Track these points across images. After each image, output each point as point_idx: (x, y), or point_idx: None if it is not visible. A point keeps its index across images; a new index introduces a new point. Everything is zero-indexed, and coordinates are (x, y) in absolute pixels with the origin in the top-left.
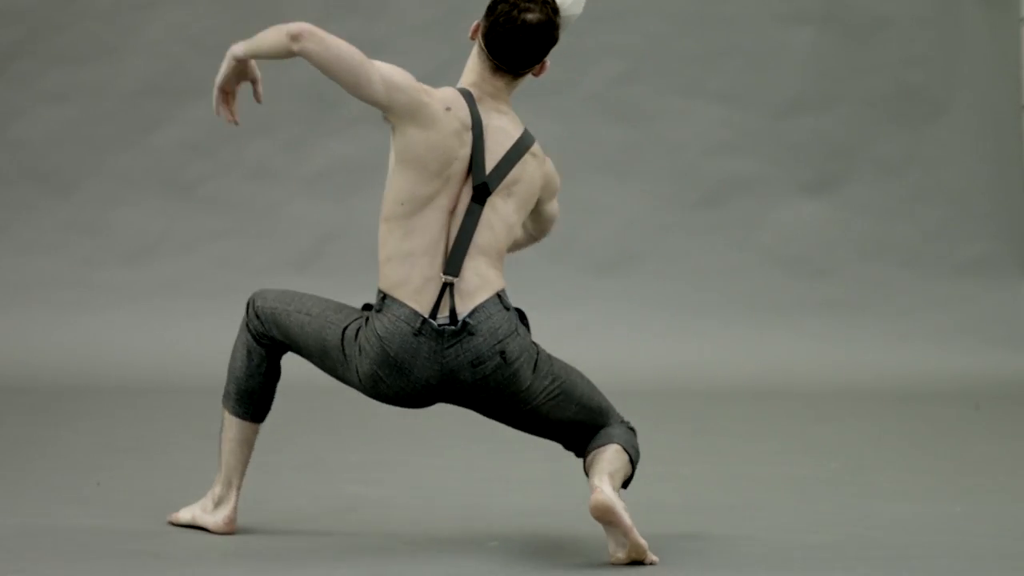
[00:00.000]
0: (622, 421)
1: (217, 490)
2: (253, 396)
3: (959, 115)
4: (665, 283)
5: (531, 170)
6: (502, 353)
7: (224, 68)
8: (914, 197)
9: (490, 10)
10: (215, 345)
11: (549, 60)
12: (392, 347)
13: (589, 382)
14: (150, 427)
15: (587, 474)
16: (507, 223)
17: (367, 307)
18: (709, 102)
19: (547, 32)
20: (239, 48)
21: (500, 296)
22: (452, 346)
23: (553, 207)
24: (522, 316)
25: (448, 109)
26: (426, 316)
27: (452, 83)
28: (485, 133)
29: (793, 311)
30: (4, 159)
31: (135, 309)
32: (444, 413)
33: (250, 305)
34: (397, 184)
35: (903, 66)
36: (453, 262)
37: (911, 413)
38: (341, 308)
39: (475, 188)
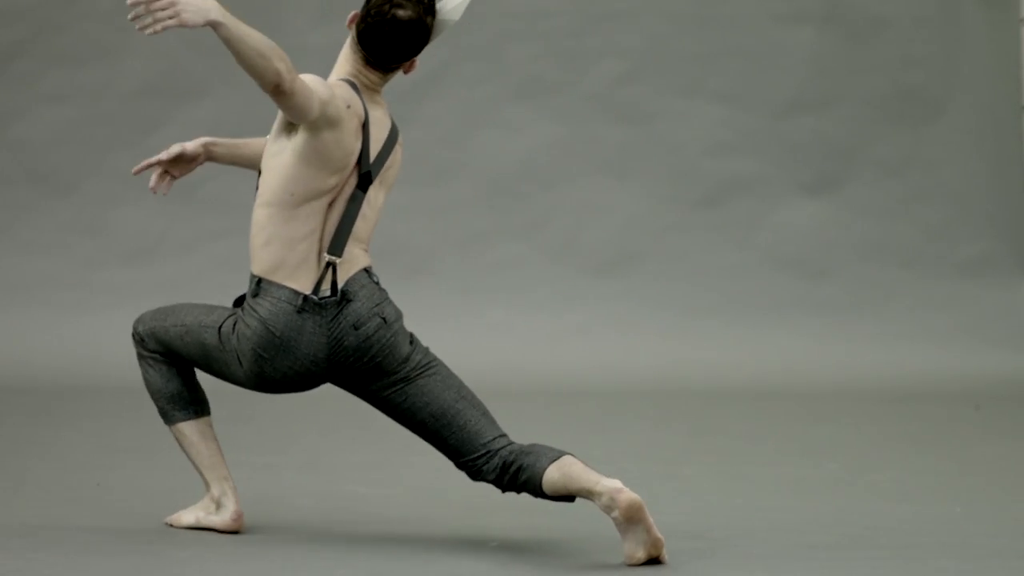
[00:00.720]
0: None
1: (213, 492)
2: (183, 396)
3: (959, 115)
4: (665, 283)
5: (398, 158)
6: (381, 315)
7: None
8: (914, 197)
9: (366, 2)
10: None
11: (419, 60)
12: (277, 327)
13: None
14: (150, 427)
15: (563, 492)
16: (377, 208)
17: (239, 301)
18: (709, 102)
19: (417, 31)
20: (216, 13)
21: (368, 271)
22: (335, 316)
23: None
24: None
25: (348, 107)
26: (307, 294)
27: (451, 84)
28: (370, 125)
29: (793, 311)
30: (4, 159)
31: (135, 309)
32: None
33: (134, 335)
34: (294, 175)
35: (903, 66)
36: (337, 244)
37: (911, 413)
38: (212, 310)
39: (360, 176)
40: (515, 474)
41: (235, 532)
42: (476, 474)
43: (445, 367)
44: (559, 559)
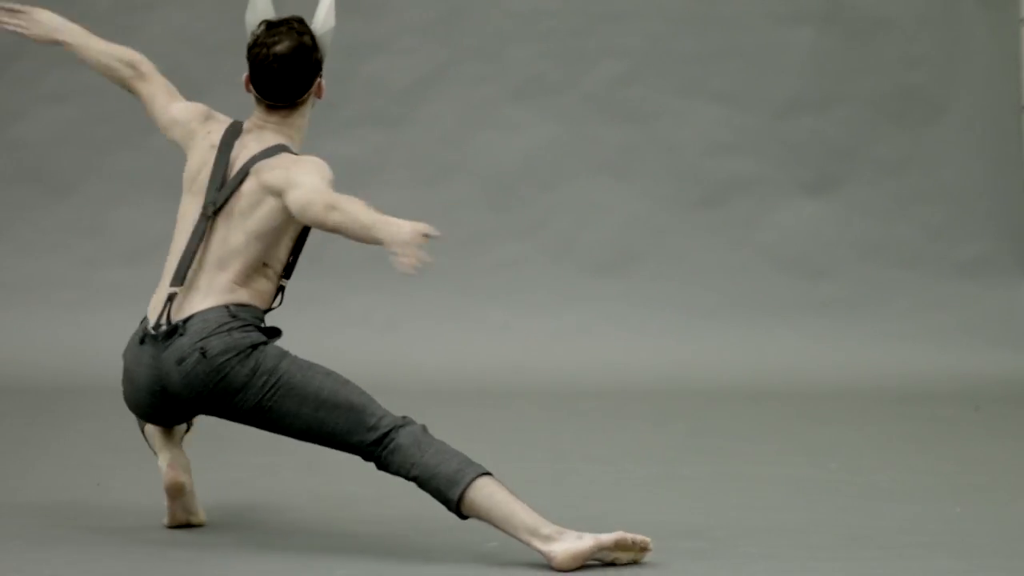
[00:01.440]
0: (404, 422)
1: (159, 457)
2: None
3: (959, 115)
4: (665, 283)
5: (248, 186)
6: (201, 349)
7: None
8: (914, 197)
9: (248, 54)
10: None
11: (324, 81)
12: (126, 358)
13: (343, 381)
14: None
15: (487, 521)
16: (242, 235)
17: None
18: (709, 102)
19: (304, 57)
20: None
21: (229, 307)
22: (165, 349)
23: (295, 196)
24: (272, 332)
25: (209, 133)
26: (150, 324)
27: (451, 84)
28: (233, 157)
29: (793, 311)
30: (4, 159)
31: (135, 309)
32: (444, 413)
33: None
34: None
35: (903, 66)
36: (179, 274)
37: (911, 413)
38: None
39: (204, 205)
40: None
41: (178, 484)
42: (379, 467)
43: (296, 379)
44: None
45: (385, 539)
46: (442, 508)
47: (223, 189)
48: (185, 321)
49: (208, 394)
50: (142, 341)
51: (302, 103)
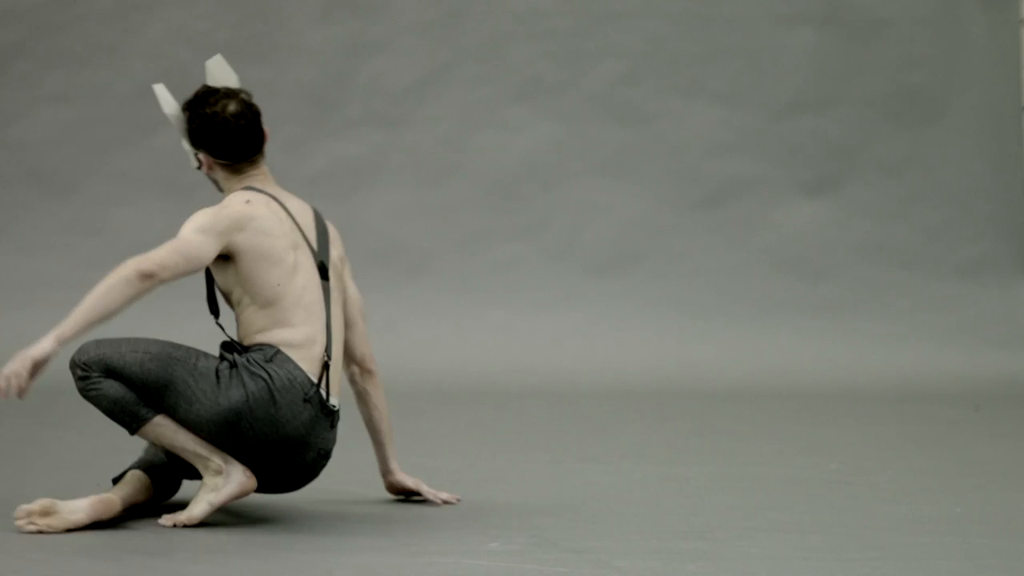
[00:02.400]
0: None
1: (213, 465)
2: (143, 395)
3: (959, 116)
4: (665, 283)
5: (335, 250)
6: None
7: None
8: (914, 198)
9: (200, 136)
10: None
11: (267, 127)
12: (280, 402)
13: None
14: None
15: None
16: (340, 301)
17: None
18: (709, 103)
19: (248, 103)
20: (41, 350)
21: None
22: (328, 429)
23: (353, 295)
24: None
25: (247, 201)
26: (320, 395)
27: (451, 85)
28: (294, 213)
29: (793, 312)
30: (4, 160)
31: (135, 309)
32: (444, 413)
33: (76, 367)
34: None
35: (903, 67)
36: (328, 344)
37: (911, 414)
38: (179, 346)
39: (317, 264)
40: None
41: (253, 491)
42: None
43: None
44: (559, 559)
45: (386, 539)
46: (442, 508)
47: (320, 249)
48: (336, 411)
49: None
50: (306, 399)
51: (264, 151)
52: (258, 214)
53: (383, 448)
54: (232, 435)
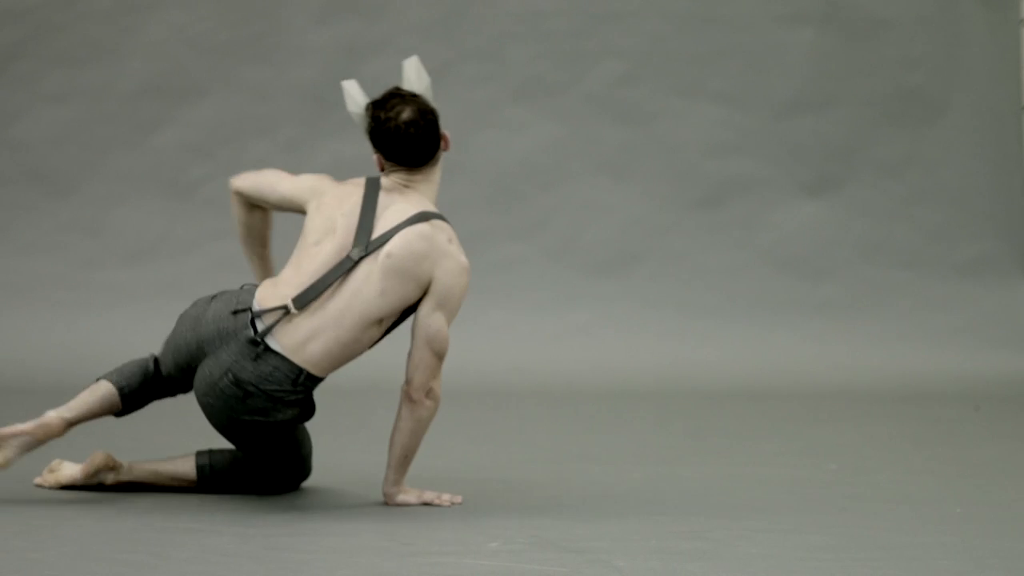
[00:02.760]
0: None
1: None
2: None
3: (959, 116)
4: (665, 284)
5: (398, 248)
6: (245, 394)
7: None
8: (914, 198)
9: (374, 134)
10: None
11: (447, 132)
12: (208, 310)
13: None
14: (150, 427)
15: None
16: (377, 289)
17: None
18: (709, 103)
19: (426, 116)
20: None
21: (301, 375)
22: (245, 360)
23: (428, 324)
24: (307, 410)
25: (337, 187)
26: (255, 329)
27: (452, 85)
28: (379, 211)
29: (793, 312)
30: (4, 159)
31: (135, 309)
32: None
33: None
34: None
35: (903, 67)
36: (304, 297)
37: (911, 414)
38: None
39: (351, 247)
40: None
41: (53, 434)
42: None
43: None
44: (559, 560)
45: (386, 539)
46: (443, 508)
47: (372, 240)
48: (268, 351)
49: (219, 407)
50: (235, 312)
51: (434, 164)
52: (330, 193)
53: (388, 466)
54: (172, 339)
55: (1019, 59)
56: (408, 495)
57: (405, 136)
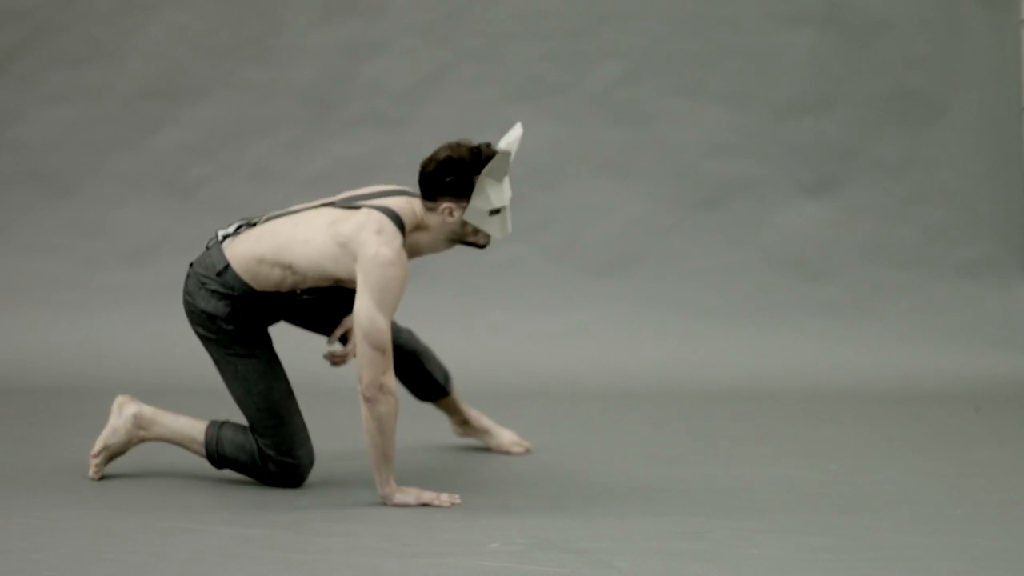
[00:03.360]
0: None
1: None
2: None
3: (959, 117)
4: (665, 284)
5: (359, 217)
6: (187, 291)
7: None
8: (914, 198)
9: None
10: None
11: (457, 213)
12: None
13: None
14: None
15: None
16: (320, 237)
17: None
18: (709, 103)
19: (439, 164)
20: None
21: (226, 269)
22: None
23: (358, 305)
24: (236, 311)
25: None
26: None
27: (452, 85)
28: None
29: (793, 312)
30: (4, 160)
31: (135, 309)
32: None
33: None
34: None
35: (903, 68)
36: (259, 217)
37: (911, 415)
38: None
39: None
40: None
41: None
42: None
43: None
44: (559, 560)
45: (386, 539)
46: (443, 508)
47: (352, 200)
48: (218, 245)
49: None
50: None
51: (431, 208)
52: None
53: (374, 471)
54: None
55: (1019, 59)
56: (407, 495)
57: (421, 165)
